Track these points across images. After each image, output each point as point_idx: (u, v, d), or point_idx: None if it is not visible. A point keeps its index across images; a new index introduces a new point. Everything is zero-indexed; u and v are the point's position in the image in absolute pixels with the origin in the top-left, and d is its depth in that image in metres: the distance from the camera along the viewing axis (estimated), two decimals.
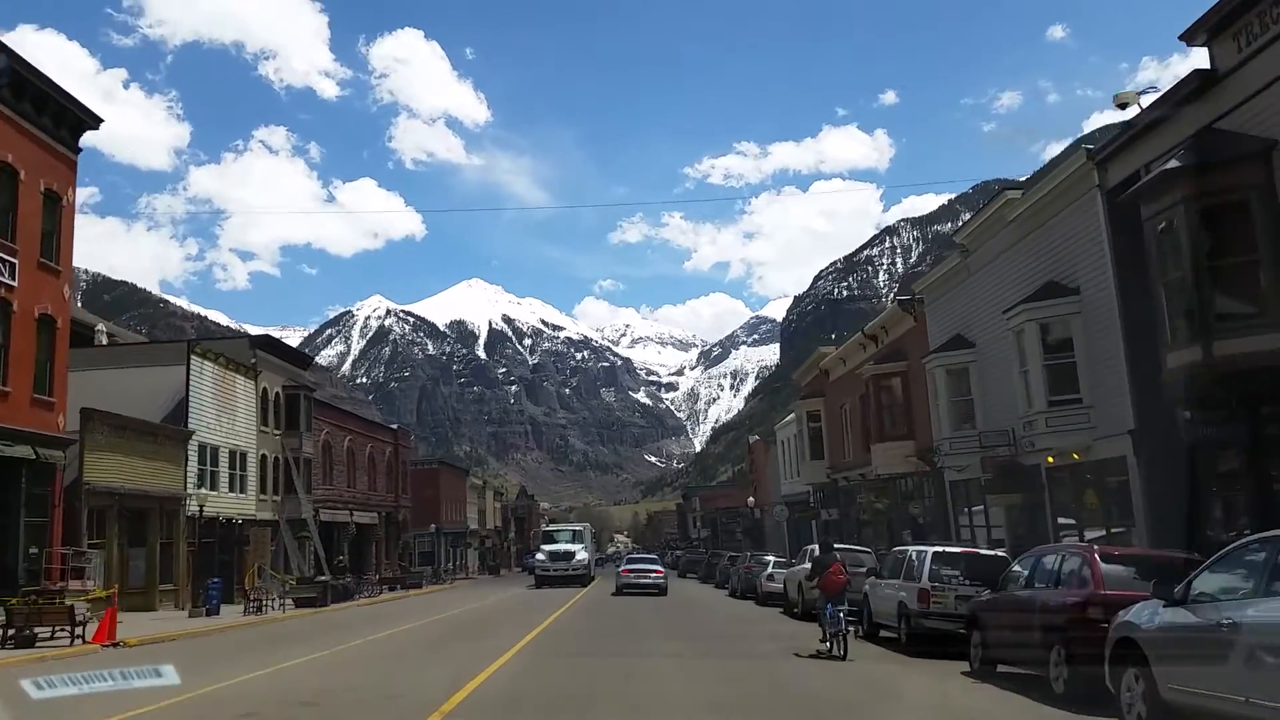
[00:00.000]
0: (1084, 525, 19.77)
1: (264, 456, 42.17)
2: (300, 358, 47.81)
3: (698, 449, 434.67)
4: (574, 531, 51.15)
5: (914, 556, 17.03)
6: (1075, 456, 19.44)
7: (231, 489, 38.86)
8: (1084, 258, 19.30)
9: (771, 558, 32.44)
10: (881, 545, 28.84)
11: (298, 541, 43.97)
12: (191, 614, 29.36)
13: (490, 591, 46.18)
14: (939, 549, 17.11)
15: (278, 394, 43.95)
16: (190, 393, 36.01)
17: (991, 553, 17.50)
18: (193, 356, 36.65)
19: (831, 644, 15.26)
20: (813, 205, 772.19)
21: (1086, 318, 19.33)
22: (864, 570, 23.59)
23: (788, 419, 52.39)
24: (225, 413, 38.58)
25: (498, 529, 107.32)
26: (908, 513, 28.46)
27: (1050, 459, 20.27)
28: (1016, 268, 22.13)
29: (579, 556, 47.01)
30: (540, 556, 48.20)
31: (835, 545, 19.50)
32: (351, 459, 54.05)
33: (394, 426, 66.18)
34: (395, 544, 62.88)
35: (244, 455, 40.11)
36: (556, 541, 48.63)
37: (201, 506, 32.56)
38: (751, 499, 53.63)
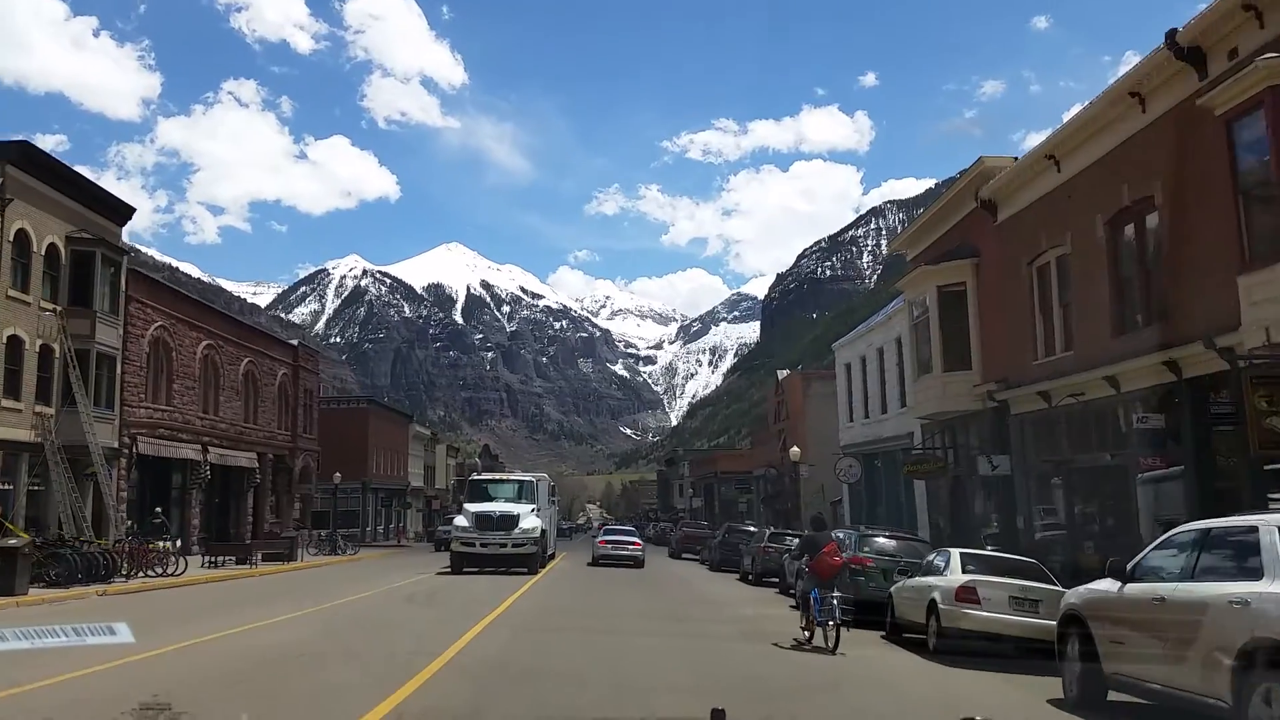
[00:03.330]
0: None
1: (17, 340, 26.18)
2: (112, 204, 31.42)
3: (674, 423, 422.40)
4: (520, 484, 32.10)
5: None
6: None
7: None
8: None
9: (955, 551, 14.02)
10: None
11: (84, 481, 28.07)
12: None
13: (375, 579, 26.69)
14: None
15: (55, 246, 27.84)
16: None
17: None
18: None
19: (812, 633, 13.31)
20: (792, 185, 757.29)
21: None
22: None
23: (871, 322, 35.12)
24: None
25: (450, 489, 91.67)
26: None
27: None
28: None
29: (526, 524, 28.70)
30: (461, 521, 29.83)
31: None
32: (211, 373, 37.94)
33: (294, 343, 49.49)
34: (289, 497, 47.01)
35: None
36: (492, 498, 30.36)
37: None
38: (796, 450, 37.36)
